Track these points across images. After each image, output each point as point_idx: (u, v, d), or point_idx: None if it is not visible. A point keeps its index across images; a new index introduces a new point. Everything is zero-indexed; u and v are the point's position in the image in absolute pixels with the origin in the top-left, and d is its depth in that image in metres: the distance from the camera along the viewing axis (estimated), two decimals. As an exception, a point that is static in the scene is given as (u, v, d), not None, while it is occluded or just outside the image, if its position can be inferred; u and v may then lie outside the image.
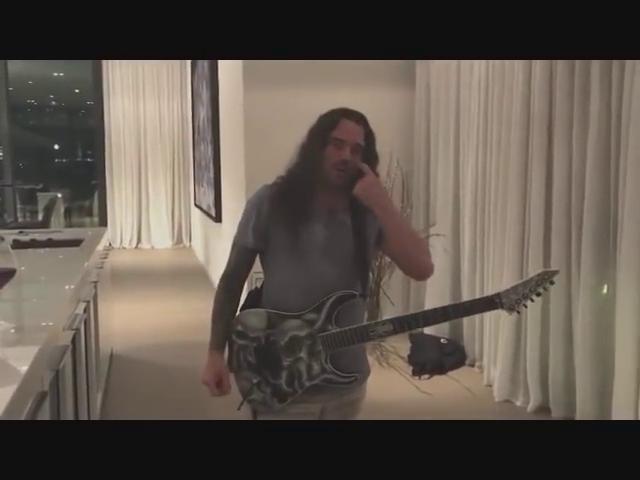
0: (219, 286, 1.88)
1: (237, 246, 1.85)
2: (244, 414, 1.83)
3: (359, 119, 1.76)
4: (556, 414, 3.49)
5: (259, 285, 1.86)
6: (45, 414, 1.63)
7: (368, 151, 1.76)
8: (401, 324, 1.70)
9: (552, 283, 1.68)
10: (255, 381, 1.78)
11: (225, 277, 1.88)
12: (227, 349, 1.86)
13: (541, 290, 1.68)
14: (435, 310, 1.69)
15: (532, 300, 1.68)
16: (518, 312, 1.69)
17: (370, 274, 1.84)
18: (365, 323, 1.72)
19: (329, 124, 1.74)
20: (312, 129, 1.79)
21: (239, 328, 1.81)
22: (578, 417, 3.31)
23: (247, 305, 1.84)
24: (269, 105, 4.62)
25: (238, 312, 1.86)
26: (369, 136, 1.77)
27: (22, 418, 1.34)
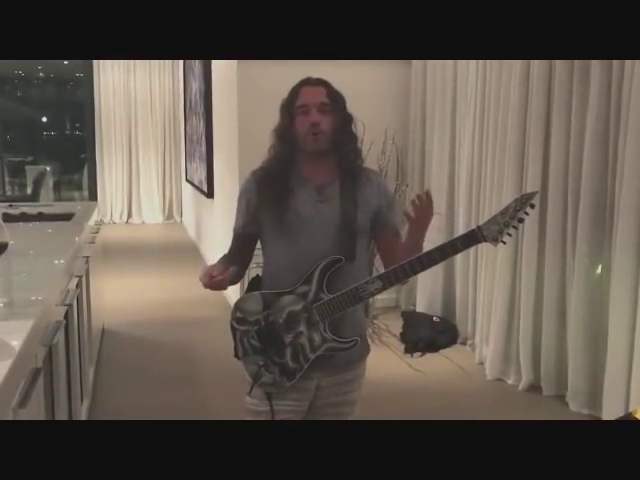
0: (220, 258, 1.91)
1: (234, 232, 1.91)
2: (257, 398, 1.82)
3: (318, 82, 1.80)
4: (547, 392, 3.52)
5: (260, 273, 1.87)
6: (39, 391, 1.61)
7: (338, 111, 1.78)
8: (389, 278, 1.68)
9: (532, 206, 1.61)
10: (261, 363, 1.78)
11: (225, 254, 1.92)
12: (232, 338, 1.85)
13: (523, 216, 1.61)
14: (420, 257, 1.65)
15: (515, 227, 1.62)
16: (503, 242, 1.63)
17: (363, 241, 1.81)
18: (355, 285, 1.70)
19: (292, 97, 1.79)
20: (280, 110, 1.82)
21: (238, 315, 1.82)
22: (569, 396, 3.34)
23: (248, 292, 1.85)
24: (263, 78, 4.55)
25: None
26: (335, 96, 1.79)
27: (16, 395, 1.32)
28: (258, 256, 1.90)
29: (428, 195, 1.67)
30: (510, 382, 3.71)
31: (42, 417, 1.70)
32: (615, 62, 3.00)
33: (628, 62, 2.91)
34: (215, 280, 1.71)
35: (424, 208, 1.68)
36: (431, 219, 1.70)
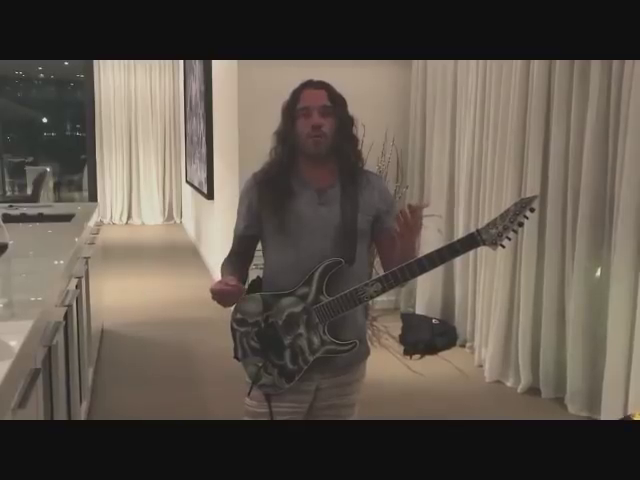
0: (222, 262, 1.91)
1: (235, 234, 1.91)
2: (256, 400, 1.82)
3: (320, 85, 1.80)
4: (546, 395, 3.52)
5: (260, 274, 1.88)
6: (38, 391, 1.61)
7: (340, 114, 1.79)
8: (389, 280, 1.68)
9: (532, 210, 1.61)
10: (260, 364, 1.78)
11: (227, 256, 1.92)
12: (232, 339, 1.85)
13: (522, 219, 1.61)
14: (420, 260, 1.65)
15: (515, 231, 1.62)
16: (502, 246, 1.63)
17: (363, 244, 1.81)
18: (354, 287, 1.70)
19: (293, 99, 1.79)
20: (281, 112, 1.82)
21: (238, 316, 1.82)
22: (568, 399, 3.34)
23: (248, 293, 1.85)
24: (263, 79, 4.55)
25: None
26: (336, 99, 1.79)
27: (15, 396, 1.32)
28: (258, 257, 1.90)
29: (413, 210, 1.65)
30: (509, 384, 3.71)
31: (41, 417, 1.70)
32: (615, 62, 3.01)
33: (628, 62, 2.92)
34: (233, 285, 1.68)
35: (408, 224, 1.66)
36: (418, 232, 1.68)
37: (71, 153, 13.38)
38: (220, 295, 1.71)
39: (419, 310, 4.76)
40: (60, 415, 2.07)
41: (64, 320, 2.12)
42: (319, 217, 1.77)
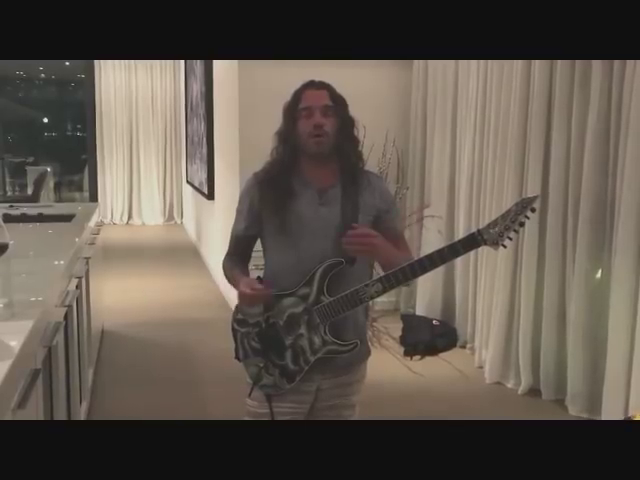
0: (223, 261, 1.92)
1: (235, 234, 1.91)
2: (257, 400, 1.82)
3: (321, 85, 1.81)
4: (546, 396, 3.51)
5: (261, 274, 1.88)
6: (38, 392, 1.61)
7: (341, 114, 1.79)
8: (390, 280, 1.68)
9: (533, 210, 1.61)
10: (262, 365, 1.78)
11: (226, 255, 1.93)
12: (232, 339, 1.86)
13: (524, 219, 1.61)
14: (421, 260, 1.66)
15: (516, 231, 1.62)
16: (504, 246, 1.63)
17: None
18: (355, 287, 1.71)
19: (295, 100, 1.79)
20: (283, 113, 1.83)
21: (239, 317, 1.83)
22: (568, 400, 3.34)
23: None
24: (264, 80, 4.55)
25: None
26: (338, 99, 1.80)
27: (15, 396, 1.32)
28: (256, 258, 1.90)
29: (360, 234, 1.70)
30: (509, 386, 3.71)
31: (41, 417, 1.70)
32: (616, 63, 3.00)
33: (629, 63, 2.91)
34: (263, 291, 1.71)
35: (355, 247, 1.70)
36: (370, 248, 1.71)
37: (72, 153, 13.40)
38: (251, 299, 1.73)
39: (419, 311, 4.75)
40: (60, 415, 2.07)
41: (64, 320, 2.12)
42: (320, 217, 1.77)
